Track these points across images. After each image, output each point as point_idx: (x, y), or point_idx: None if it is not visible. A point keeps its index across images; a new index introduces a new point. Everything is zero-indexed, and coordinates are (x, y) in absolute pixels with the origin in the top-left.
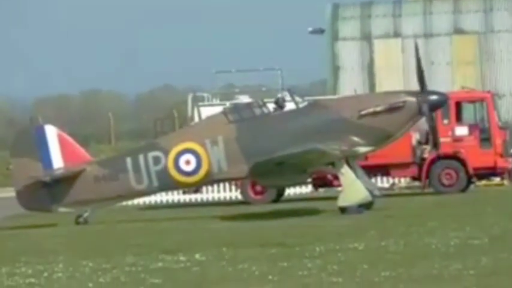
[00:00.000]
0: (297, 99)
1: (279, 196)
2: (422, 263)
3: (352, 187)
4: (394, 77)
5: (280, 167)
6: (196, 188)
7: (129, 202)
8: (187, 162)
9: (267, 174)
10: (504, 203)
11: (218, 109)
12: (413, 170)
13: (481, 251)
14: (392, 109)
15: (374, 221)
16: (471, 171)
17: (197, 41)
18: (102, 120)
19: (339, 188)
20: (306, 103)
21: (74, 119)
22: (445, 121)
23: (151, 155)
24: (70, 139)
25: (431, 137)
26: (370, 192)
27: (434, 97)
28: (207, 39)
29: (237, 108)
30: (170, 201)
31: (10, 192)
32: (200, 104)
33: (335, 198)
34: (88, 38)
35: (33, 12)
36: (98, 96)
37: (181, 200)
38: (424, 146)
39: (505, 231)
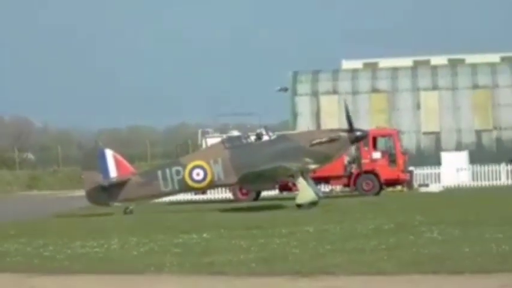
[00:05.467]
0: (270, 133)
1: (257, 196)
2: (352, 240)
3: (305, 191)
4: (333, 120)
5: (258, 177)
6: (203, 190)
7: (159, 200)
8: (198, 174)
9: (249, 182)
10: (404, 202)
11: (218, 139)
12: (345, 180)
13: (389, 233)
14: (332, 140)
15: (319, 213)
16: (382, 181)
17: (203, 93)
18: (142, 145)
19: (296, 192)
20: (275, 136)
21: (123, 144)
22: (366, 148)
23: (174, 169)
24: (121, 158)
25: (357, 159)
26: (317, 194)
27: (359, 133)
28: (212, 92)
29: (230, 139)
30: (186, 199)
31: (81, 193)
32: (206, 135)
33: (293, 198)
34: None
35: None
36: (139, 129)
37: (193, 199)
38: (352, 165)
39: (405, 221)
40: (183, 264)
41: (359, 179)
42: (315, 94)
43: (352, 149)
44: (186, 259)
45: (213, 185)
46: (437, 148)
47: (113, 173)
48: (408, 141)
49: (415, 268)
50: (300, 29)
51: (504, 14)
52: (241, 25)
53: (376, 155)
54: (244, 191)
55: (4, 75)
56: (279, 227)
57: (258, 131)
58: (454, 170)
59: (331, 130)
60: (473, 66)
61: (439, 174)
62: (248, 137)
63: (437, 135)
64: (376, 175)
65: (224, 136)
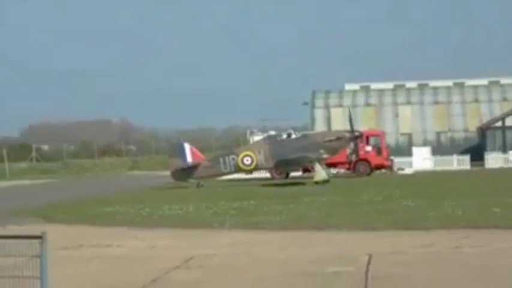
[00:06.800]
0: (296, 133)
1: (287, 176)
2: (354, 207)
3: (320, 172)
4: (339, 125)
5: (288, 163)
6: (250, 172)
7: (221, 178)
8: (247, 160)
9: (282, 166)
10: (387, 181)
11: (261, 137)
12: (347, 165)
13: (378, 202)
14: (339, 138)
15: (330, 188)
16: (373, 166)
17: (251, 104)
18: (208, 140)
19: (314, 173)
20: (300, 135)
21: (195, 139)
22: (362, 144)
23: (231, 156)
24: (195, 149)
25: (355, 151)
26: (328, 175)
27: (357, 133)
28: (257, 104)
29: (269, 137)
30: (239, 178)
31: (168, 173)
32: (253, 134)
33: (312, 177)
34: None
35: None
36: (205, 128)
37: (244, 177)
38: (352, 155)
39: (388, 194)
40: (238, 222)
41: (357, 165)
42: (327, 107)
43: (352, 144)
44: (239, 219)
45: (257, 168)
46: (410, 144)
47: (189, 159)
48: (390, 139)
49: (396, 226)
50: (315, 60)
51: (455, 51)
52: (282, 58)
53: (369, 148)
54: (278, 172)
55: (111, 88)
56: (303, 197)
57: (288, 131)
58: (421, 159)
59: (338, 131)
60: (435, 88)
61: (411, 162)
62: (281, 135)
63: (410, 135)
64: (369, 162)
65: (265, 135)
